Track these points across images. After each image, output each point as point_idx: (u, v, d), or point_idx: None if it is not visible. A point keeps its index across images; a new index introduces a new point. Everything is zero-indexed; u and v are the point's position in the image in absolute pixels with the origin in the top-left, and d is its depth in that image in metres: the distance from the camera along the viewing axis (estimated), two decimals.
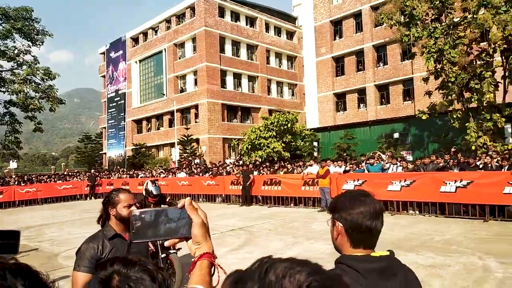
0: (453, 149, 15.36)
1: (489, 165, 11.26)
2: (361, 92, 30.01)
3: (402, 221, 10.82)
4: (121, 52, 43.38)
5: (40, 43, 26.90)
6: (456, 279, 5.63)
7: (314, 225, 10.87)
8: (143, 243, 2.50)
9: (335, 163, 14.64)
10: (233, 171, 17.88)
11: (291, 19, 43.84)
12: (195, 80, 35.46)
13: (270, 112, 35.59)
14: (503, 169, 10.57)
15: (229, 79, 36.17)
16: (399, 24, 16.63)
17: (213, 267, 1.00)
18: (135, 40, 42.64)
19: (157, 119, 39.93)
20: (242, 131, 29.61)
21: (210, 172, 18.92)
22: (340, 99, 31.49)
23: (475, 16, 14.72)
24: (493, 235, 8.52)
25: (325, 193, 13.14)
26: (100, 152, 48.17)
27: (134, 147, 37.73)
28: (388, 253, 1.43)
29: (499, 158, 11.74)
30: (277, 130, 22.62)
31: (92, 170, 29.04)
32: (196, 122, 34.65)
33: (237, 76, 37.01)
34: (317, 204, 14.07)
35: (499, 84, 15.15)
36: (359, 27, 30.15)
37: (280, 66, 41.40)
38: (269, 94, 39.36)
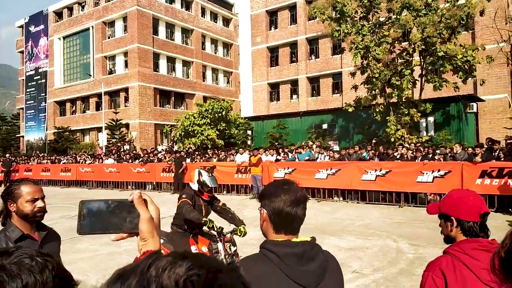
0: (374, 141, 16.50)
1: (405, 156, 12.30)
2: (294, 83, 30.91)
3: (327, 207, 11.45)
4: (42, 26, 39.73)
5: None
6: (373, 261, 6.13)
7: (245, 212, 11.06)
8: (57, 246, 2.25)
9: (267, 151, 14.98)
10: (165, 158, 17.47)
11: (228, 6, 43.43)
12: (126, 62, 33.77)
13: (205, 99, 35.18)
14: (416, 160, 11.62)
15: (163, 63, 35.00)
16: (331, 19, 17.29)
17: None
18: (59, 14, 39.30)
19: (82, 101, 37.42)
20: (175, 117, 28.93)
21: (141, 159, 18.30)
22: (274, 89, 32.14)
23: (398, 17, 15.79)
24: (406, 220, 9.38)
25: (257, 180, 13.41)
26: (17, 135, 44.08)
27: (56, 130, 35.03)
28: (309, 239, 1.49)
29: (414, 150, 12.89)
30: (211, 118, 22.45)
31: (7, 155, 26.48)
32: (126, 106, 33.10)
33: (171, 60, 35.93)
34: (249, 192, 14.33)
35: (416, 81, 16.50)
36: (293, 19, 30.85)
37: (215, 53, 40.97)
38: (204, 81, 38.83)
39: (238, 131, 23.09)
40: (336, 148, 18.53)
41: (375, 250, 6.70)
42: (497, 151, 10.74)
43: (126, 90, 33.12)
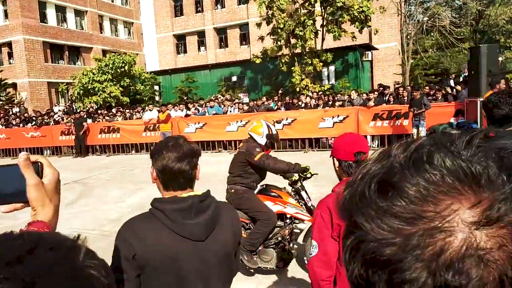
0: (280, 91, 17.02)
1: (309, 105, 12.95)
2: (201, 35, 29.89)
3: None
4: None
5: None
6: None
7: None
8: None
9: (176, 107, 14.58)
10: (63, 120, 16.02)
11: None
12: (5, 12, 29.15)
13: (104, 53, 32.31)
14: (319, 108, 12.32)
15: (51, 13, 30.94)
16: None
17: None
18: None
19: None
20: (71, 74, 26.25)
21: (34, 122, 16.51)
22: (180, 41, 30.78)
23: None
24: (311, 164, 10.02)
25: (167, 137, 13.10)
26: None
27: None
28: (200, 192, 1.52)
29: (316, 98, 13.60)
30: (113, 73, 20.83)
31: None
32: (10, 63, 29.02)
33: (61, 10, 31.90)
34: None
35: (318, 32, 17.08)
36: None
37: (113, 1, 37.33)
38: (101, 33, 35.44)
39: (144, 87, 21.92)
40: (246, 100, 18.76)
41: None
42: (388, 96, 11.87)
43: (9, 44, 28.86)
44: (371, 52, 20.94)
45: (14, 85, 27.27)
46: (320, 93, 14.89)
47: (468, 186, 0.36)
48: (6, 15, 29.09)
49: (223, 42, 29.65)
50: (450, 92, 11.34)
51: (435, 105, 10.24)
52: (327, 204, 1.91)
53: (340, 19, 16.53)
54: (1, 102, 23.91)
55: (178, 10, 30.58)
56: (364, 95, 12.35)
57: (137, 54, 31.57)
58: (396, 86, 13.89)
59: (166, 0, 29.98)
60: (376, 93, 12.06)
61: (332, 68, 19.79)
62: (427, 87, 12.31)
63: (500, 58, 16.43)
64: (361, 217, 0.37)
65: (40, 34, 29.24)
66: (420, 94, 9.57)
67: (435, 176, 0.36)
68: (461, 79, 13.70)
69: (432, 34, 24.81)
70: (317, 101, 12.66)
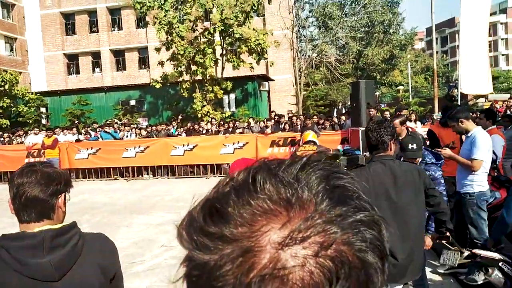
0: (180, 117, 16.95)
1: (210, 131, 13.12)
2: (96, 56, 28.39)
3: (137, 186, 11.25)
4: None
5: None
6: None
7: None
8: None
9: (66, 131, 13.46)
10: None
11: None
12: None
13: None
14: (220, 134, 12.57)
15: None
16: None
17: None
18: None
19: None
20: None
21: None
22: (72, 61, 28.79)
23: None
24: None
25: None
26: None
27: None
28: (58, 225, 1.35)
29: (218, 124, 13.86)
30: None
31: None
32: None
33: None
34: None
35: (218, 60, 17.60)
36: None
37: None
38: None
39: (29, 109, 19.81)
40: (146, 124, 18.20)
41: None
42: (283, 124, 12.67)
43: None
44: (268, 83, 22.24)
45: None
46: (221, 120, 15.24)
47: (282, 207, 0.37)
48: None
49: (120, 65, 28.55)
50: (336, 122, 12.60)
51: (324, 133, 11.27)
52: None
53: (238, 49, 17.31)
54: None
55: (70, 29, 28.71)
56: (262, 122, 13.00)
57: (20, 72, 28.56)
58: (290, 115, 14.97)
59: (56, 16, 27.94)
60: (272, 121, 12.79)
61: (232, 96, 20.44)
62: (315, 117, 13.50)
63: (376, 93, 18.91)
64: (189, 239, 0.39)
65: None
66: (311, 123, 10.44)
67: (254, 199, 0.38)
68: (343, 110, 15.34)
69: (320, 69, 27.46)
70: (218, 128, 12.90)
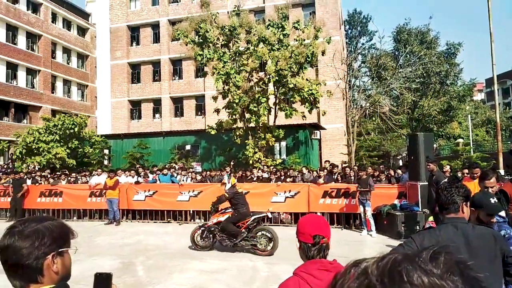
0: (232, 162, 17.30)
1: (261, 177, 13.22)
2: (157, 102, 30.30)
3: (189, 230, 11.33)
4: None
5: None
6: (231, 281, 6.34)
7: (99, 240, 10.21)
8: None
9: (127, 172, 14.21)
10: (0, 179, 14.91)
11: (84, 15, 40.40)
12: None
13: (54, 112, 31.51)
14: (272, 181, 12.60)
15: (1, 69, 30.16)
16: (194, 43, 17.76)
17: None
18: None
19: None
20: (15, 132, 25.01)
21: None
22: (135, 107, 30.90)
23: (255, 48, 17.16)
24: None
25: (113, 204, 12.55)
26: None
27: None
28: None
29: (269, 171, 13.95)
30: (61, 134, 20.15)
31: None
32: None
33: (12, 67, 31.25)
34: (105, 217, 13.27)
35: (271, 109, 18.06)
36: (157, 38, 30.52)
37: (68, 63, 37.36)
38: (53, 92, 34.82)
39: (94, 150, 21.26)
40: (199, 169, 18.74)
41: (234, 271, 6.95)
42: (336, 174, 12.48)
43: None
44: (319, 131, 22.27)
45: None
46: (272, 167, 15.34)
47: None
48: None
49: (178, 111, 30.16)
50: (392, 174, 12.19)
51: (379, 186, 10.90)
52: (287, 287, 1.92)
53: (291, 99, 17.68)
54: None
55: (136, 77, 31.12)
56: (315, 172, 12.89)
57: (88, 116, 31.03)
58: (344, 165, 14.75)
59: (124, 67, 30.53)
60: (325, 170, 12.66)
61: (283, 143, 20.64)
62: (369, 168, 13.16)
63: (434, 145, 18.17)
64: None
65: None
66: (366, 175, 10.18)
67: None
68: (400, 162, 14.81)
69: (373, 118, 27.10)
70: (269, 175, 12.96)
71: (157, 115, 30.43)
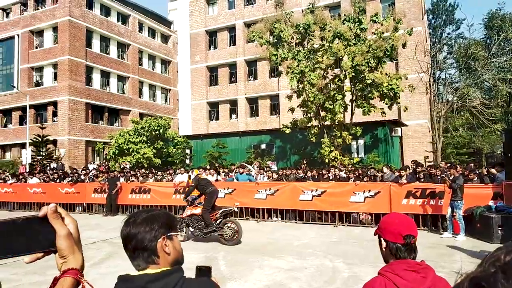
0: (305, 161, 17.15)
1: (338, 177, 12.92)
2: (233, 103, 31.27)
3: (266, 228, 11.58)
4: None
5: None
6: (311, 281, 6.30)
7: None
8: None
9: (208, 171, 14.86)
10: (97, 177, 16.54)
11: (167, 23, 43.14)
12: (55, 74, 31.82)
13: (141, 116, 34.19)
14: (350, 181, 12.25)
15: (96, 77, 33.52)
16: (268, 43, 17.95)
17: (80, 285, 0.91)
18: None
19: (4, 114, 34.36)
20: (109, 134, 27.66)
21: (70, 178, 17.13)
22: (213, 108, 32.23)
23: (331, 45, 16.81)
24: (341, 239, 9.79)
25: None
26: None
27: None
28: (158, 270, 1.30)
29: (347, 170, 13.58)
30: (148, 135, 21.81)
31: None
32: (54, 121, 30.99)
33: (105, 75, 34.56)
34: None
35: (348, 106, 17.56)
36: (233, 41, 31.46)
37: (153, 69, 40.23)
38: (140, 97, 37.79)
39: (176, 150, 22.65)
40: (274, 168, 18.94)
41: (313, 270, 6.90)
42: (419, 173, 11.73)
43: (54, 104, 31.07)
44: (401, 128, 21.12)
45: (54, 142, 28.82)
46: (350, 166, 14.91)
47: None
48: (55, 77, 31.68)
49: (254, 111, 30.80)
50: (485, 173, 11.11)
51: (470, 186, 10.00)
52: (373, 287, 1.85)
53: (369, 95, 17.01)
54: (41, 157, 25.10)
55: (213, 80, 32.45)
56: (396, 171, 12.25)
57: (171, 118, 33.12)
58: (428, 164, 13.79)
59: (203, 70, 32.01)
60: (408, 169, 11.96)
61: (361, 141, 19.96)
62: (459, 167, 12.14)
63: None
64: None
65: (84, 95, 31.46)
66: (459, 173, 9.41)
67: None
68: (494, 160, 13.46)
69: (462, 113, 24.96)
70: (348, 174, 12.62)
71: (233, 116, 31.39)
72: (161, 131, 22.14)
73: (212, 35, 32.52)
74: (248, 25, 29.16)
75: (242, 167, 15.01)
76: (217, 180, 14.09)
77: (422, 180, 11.16)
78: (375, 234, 2.00)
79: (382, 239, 1.92)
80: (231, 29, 31.54)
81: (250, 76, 31.14)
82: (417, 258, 1.88)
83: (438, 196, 10.27)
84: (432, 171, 11.48)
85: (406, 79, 17.17)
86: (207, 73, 32.23)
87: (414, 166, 12.16)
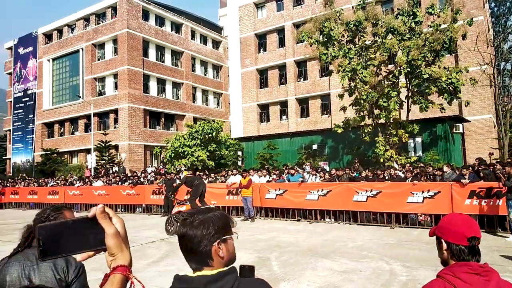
0: (356, 160, 16.67)
1: (395, 177, 12.42)
2: (283, 105, 31.26)
3: (319, 229, 11.42)
4: (31, 48, 39.74)
5: None
6: (366, 284, 6.11)
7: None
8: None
9: (259, 172, 14.98)
10: (155, 180, 17.32)
11: (217, 29, 44.20)
12: (115, 84, 33.85)
13: (195, 120, 35.31)
14: (407, 181, 11.72)
15: (153, 84, 35.18)
16: (318, 43, 17.72)
17: (128, 281, 0.94)
18: (48, 36, 39.44)
19: (71, 122, 37.19)
20: (165, 138, 28.86)
21: (130, 181, 18.10)
22: (264, 110, 32.45)
23: (383, 40, 16.25)
24: (398, 241, 9.40)
25: (248, 202, 13.37)
26: (3, 158, 43.33)
27: (44, 152, 34.59)
28: (215, 272, 1.33)
29: (404, 170, 13.01)
30: (201, 139, 22.47)
31: None
32: (115, 127, 32.98)
33: (161, 82, 36.15)
34: (240, 213, 14.25)
35: (403, 103, 16.85)
36: (282, 42, 31.48)
37: (205, 75, 41.40)
38: (194, 102, 39.06)
39: (229, 152, 23.09)
40: (327, 168, 18.65)
41: (368, 273, 6.69)
42: (482, 171, 10.92)
43: (115, 111, 33.06)
44: (462, 124, 19.86)
45: (116, 147, 30.67)
46: (408, 165, 14.28)
47: None
48: (116, 86, 33.70)
49: (304, 112, 30.57)
50: None
51: None
52: None
53: (426, 90, 16.20)
54: (104, 161, 26.80)
55: (263, 82, 32.69)
56: (458, 170, 11.53)
57: (224, 121, 33.79)
58: (494, 161, 12.82)
59: (253, 73, 32.37)
60: (470, 168, 11.21)
61: (419, 139, 19.05)
62: None
63: None
64: None
65: (142, 102, 33.14)
66: None
67: None
68: None
69: None
70: (405, 174, 12.10)
71: (283, 117, 31.37)
72: (214, 134, 22.68)
73: (261, 38, 32.80)
74: (297, 25, 29.05)
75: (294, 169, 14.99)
76: (268, 181, 14.16)
77: (488, 179, 10.39)
78: (432, 235, 1.89)
79: (442, 240, 1.81)
80: (280, 31, 31.59)
81: (300, 77, 30.96)
82: (481, 262, 1.76)
83: (506, 196, 9.51)
84: (497, 166, 10.63)
85: (467, 72, 16.13)
86: (257, 76, 32.54)
87: (478, 166, 11.35)
